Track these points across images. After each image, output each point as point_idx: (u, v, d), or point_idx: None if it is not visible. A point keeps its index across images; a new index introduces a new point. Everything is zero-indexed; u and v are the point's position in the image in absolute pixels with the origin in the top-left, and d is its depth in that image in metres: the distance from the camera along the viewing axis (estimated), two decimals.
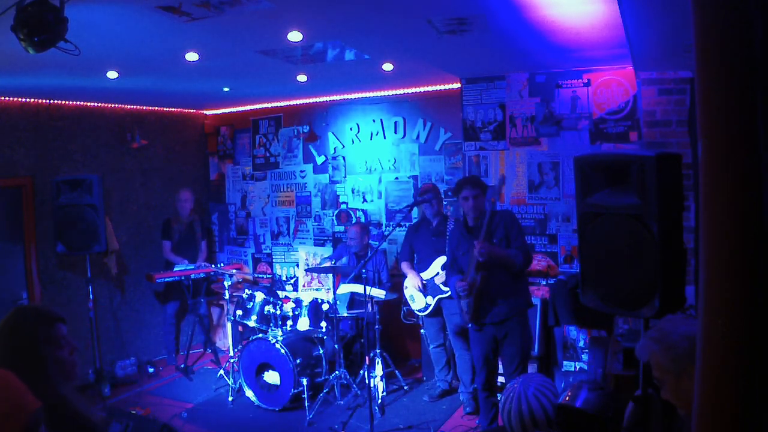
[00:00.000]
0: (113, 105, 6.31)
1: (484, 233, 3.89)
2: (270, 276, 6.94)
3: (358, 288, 5.17)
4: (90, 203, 5.23)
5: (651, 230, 2.19)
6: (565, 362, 5.01)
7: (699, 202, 1.00)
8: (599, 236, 2.42)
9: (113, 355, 6.18)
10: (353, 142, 6.47)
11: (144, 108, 6.65)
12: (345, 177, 6.56)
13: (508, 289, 3.99)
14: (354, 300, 5.68)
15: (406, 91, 6.12)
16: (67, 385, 1.81)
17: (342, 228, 6.60)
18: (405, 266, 5.29)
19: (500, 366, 4.26)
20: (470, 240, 4.04)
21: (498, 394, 4.11)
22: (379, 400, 4.97)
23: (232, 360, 5.48)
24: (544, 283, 5.19)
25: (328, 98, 6.53)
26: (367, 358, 4.66)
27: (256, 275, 7.06)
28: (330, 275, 6.05)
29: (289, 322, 5.35)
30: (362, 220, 6.43)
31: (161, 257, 6.52)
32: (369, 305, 4.67)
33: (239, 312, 5.57)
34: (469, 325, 4.16)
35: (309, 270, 5.92)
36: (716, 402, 0.97)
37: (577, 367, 4.96)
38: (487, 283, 3.94)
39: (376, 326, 5.07)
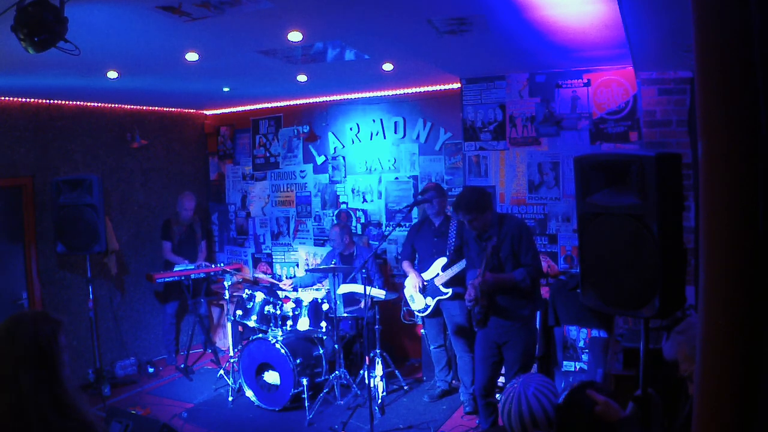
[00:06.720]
0: (113, 105, 6.31)
1: (485, 263, 3.81)
2: (270, 276, 6.94)
3: (358, 288, 5.16)
4: (90, 203, 5.23)
5: (651, 230, 2.18)
6: (565, 362, 5.00)
7: (699, 202, 1.00)
8: (599, 236, 2.41)
9: (113, 355, 6.19)
10: (353, 142, 6.46)
11: (144, 108, 6.65)
12: (345, 177, 6.56)
13: (512, 303, 3.96)
14: (350, 299, 5.68)
15: (406, 91, 6.12)
16: (71, 383, 1.83)
17: None
18: (406, 265, 5.27)
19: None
20: (482, 243, 4.02)
21: (497, 395, 4.10)
22: (379, 400, 4.97)
23: (232, 360, 5.48)
24: (544, 283, 5.17)
25: (328, 98, 6.53)
26: (367, 358, 4.66)
27: (256, 275, 7.06)
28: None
29: (289, 322, 5.35)
30: (362, 219, 6.43)
31: (161, 257, 6.53)
32: (363, 303, 4.66)
33: (239, 312, 5.57)
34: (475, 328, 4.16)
35: (309, 270, 5.92)
36: (716, 402, 0.97)
37: (577, 367, 4.96)
38: (491, 299, 3.93)
39: (376, 326, 5.07)
